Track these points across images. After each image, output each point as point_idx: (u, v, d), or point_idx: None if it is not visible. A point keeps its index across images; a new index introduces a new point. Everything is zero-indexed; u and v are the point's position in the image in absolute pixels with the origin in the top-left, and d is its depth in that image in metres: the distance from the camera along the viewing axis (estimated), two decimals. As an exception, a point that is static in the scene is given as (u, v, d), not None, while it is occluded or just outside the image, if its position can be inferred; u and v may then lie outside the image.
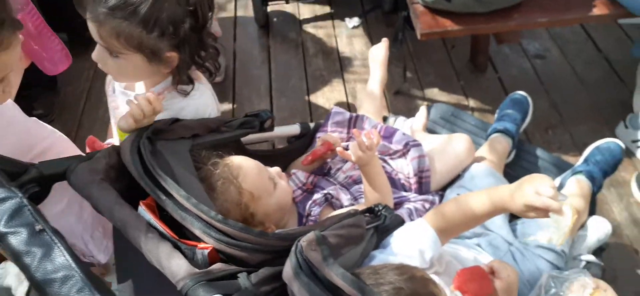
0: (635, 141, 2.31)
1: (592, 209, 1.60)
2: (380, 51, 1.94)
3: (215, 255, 0.97)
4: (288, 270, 0.89)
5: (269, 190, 1.24)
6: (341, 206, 1.38)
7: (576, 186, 1.57)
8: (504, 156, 1.69)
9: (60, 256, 0.75)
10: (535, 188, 1.00)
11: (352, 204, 1.40)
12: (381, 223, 1.20)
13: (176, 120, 1.21)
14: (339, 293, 0.85)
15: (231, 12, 3.18)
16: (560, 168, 1.75)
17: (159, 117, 1.20)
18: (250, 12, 3.07)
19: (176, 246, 0.96)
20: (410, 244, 1.12)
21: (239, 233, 0.94)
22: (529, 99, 1.85)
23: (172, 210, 0.98)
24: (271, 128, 1.43)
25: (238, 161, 1.23)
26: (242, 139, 1.42)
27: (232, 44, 2.94)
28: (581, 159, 1.72)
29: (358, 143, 1.29)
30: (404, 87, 2.62)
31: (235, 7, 3.23)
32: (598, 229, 1.47)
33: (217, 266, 0.95)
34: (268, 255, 0.97)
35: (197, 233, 0.96)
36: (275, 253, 0.97)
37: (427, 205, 1.48)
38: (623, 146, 1.68)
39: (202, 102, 1.32)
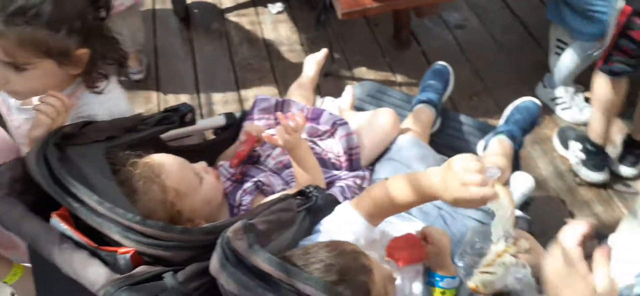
0: (553, 99, 2.43)
1: (516, 166, 1.67)
2: (317, 55, 1.97)
3: (139, 258, 0.93)
4: (214, 262, 0.86)
5: (194, 186, 1.20)
6: (273, 193, 1.36)
7: (498, 145, 1.63)
8: (428, 125, 1.73)
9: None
10: (460, 180, 0.94)
11: (284, 189, 1.38)
12: (313, 204, 1.20)
13: (87, 123, 1.15)
14: (268, 278, 0.84)
15: (149, 6, 3.06)
16: (484, 131, 1.81)
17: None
18: (169, 5, 2.98)
19: (95, 254, 0.91)
20: (343, 232, 1.10)
21: (160, 233, 0.91)
22: (449, 68, 1.90)
23: (86, 217, 0.93)
24: (193, 122, 1.38)
25: (159, 158, 1.18)
26: (164, 136, 1.37)
27: (153, 40, 2.83)
28: (501, 120, 1.78)
29: (283, 127, 1.27)
30: (332, 69, 2.62)
31: (152, 0, 3.11)
32: (521, 184, 1.53)
33: (141, 269, 0.92)
34: (194, 250, 0.95)
35: (116, 237, 0.91)
36: (202, 249, 0.94)
37: (358, 181, 1.48)
38: (539, 103, 1.76)
39: (114, 101, 1.26)
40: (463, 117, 1.87)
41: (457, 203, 0.97)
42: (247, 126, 1.49)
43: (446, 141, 1.78)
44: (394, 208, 1.11)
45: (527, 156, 2.28)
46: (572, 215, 2.09)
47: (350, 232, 1.10)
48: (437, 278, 1.15)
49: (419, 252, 1.15)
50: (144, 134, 1.28)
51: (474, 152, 1.74)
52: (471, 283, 1.01)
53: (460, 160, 0.96)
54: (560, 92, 2.40)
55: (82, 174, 1.00)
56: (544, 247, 1.08)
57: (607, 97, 1.98)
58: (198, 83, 2.61)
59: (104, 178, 1.07)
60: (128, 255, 0.91)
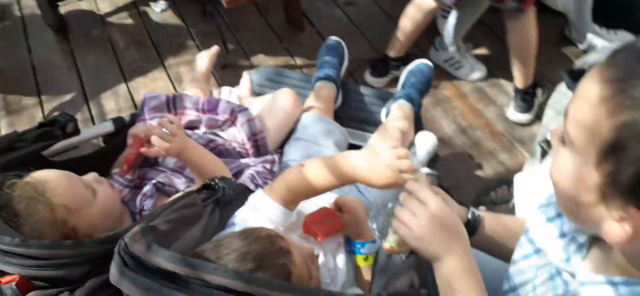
0: (446, 60, 2.53)
1: (419, 127, 1.71)
2: (211, 49, 1.92)
3: (27, 284, 0.83)
4: (113, 271, 0.79)
5: (87, 199, 1.10)
6: (177, 192, 1.29)
7: (398, 110, 1.65)
8: (330, 100, 1.72)
9: None
10: (391, 167, 0.98)
11: (189, 187, 1.31)
12: (221, 196, 1.14)
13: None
14: (175, 278, 0.78)
15: (16, 19, 2.79)
16: (384, 99, 1.84)
17: None
18: (39, 17, 2.73)
19: (-28, 290, 0.80)
20: (259, 221, 1.06)
21: (46, 252, 0.81)
22: (342, 42, 1.91)
23: (-44, 249, 0.81)
24: (76, 131, 1.26)
25: (40, 175, 1.06)
26: (46, 152, 1.24)
27: (28, 56, 2.59)
28: (399, 85, 1.82)
29: (158, 136, 1.19)
30: (229, 60, 2.55)
31: (20, 12, 2.84)
32: (425, 142, 1.57)
33: (31, 295, 0.82)
34: (91, 264, 0.86)
35: (-4, 265, 0.81)
36: (100, 261, 0.86)
37: (268, 166, 1.44)
38: (431, 64, 1.81)
39: None
40: (363, 89, 1.89)
41: (386, 186, 1.00)
42: (133, 129, 1.38)
43: (350, 114, 1.79)
44: (311, 192, 1.09)
45: (431, 118, 2.36)
46: (480, 167, 2.20)
47: (267, 220, 1.06)
48: (358, 246, 1.14)
49: (336, 223, 1.13)
50: (22, 153, 1.15)
51: (377, 122, 1.76)
52: (386, 244, 1.00)
53: (389, 148, 1.00)
54: (452, 53, 2.51)
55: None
56: (458, 200, 1.11)
57: (534, 34, 2.15)
58: (86, 95, 2.43)
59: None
60: (13, 283, 0.81)
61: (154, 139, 1.19)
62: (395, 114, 1.64)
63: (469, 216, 1.06)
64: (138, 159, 1.30)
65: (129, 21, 2.81)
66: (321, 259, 1.09)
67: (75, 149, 1.43)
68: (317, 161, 1.08)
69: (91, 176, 1.17)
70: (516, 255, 0.99)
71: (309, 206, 1.19)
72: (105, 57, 2.61)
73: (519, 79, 2.29)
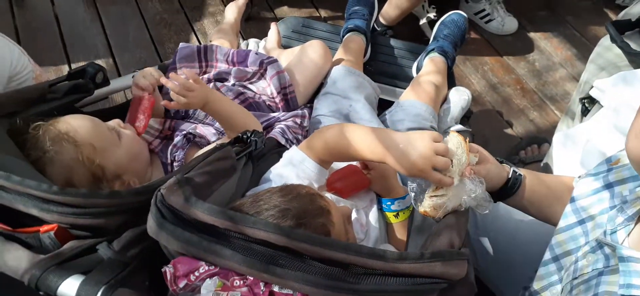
0: (477, 13, 2.45)
1: (452, 83, 1.66)
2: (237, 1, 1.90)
3: (66, 233, 0.83)
4: (151, 223, 0.78)
5: (112, 141, 1.10)
6: (208, 144, 1.27)
7: (430, 64, 1.60)
8: (360, 52, 1.67)
9: None
10: (427, 158, 0.94)
11: (219, 139, 1.29)
12: (253, 149, 1.13)
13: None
14: (214, 231, 0.76)
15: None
16: (414, 52, 1.78)
17: None
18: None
19: (12, 238, 0.80)
20: (294, 177, 1.05)
21: (84, 200, 0.80)
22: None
23: (-3, 198, 0.81)
24: (105, 82, 1.24)
25: (64, 118, 1.07)
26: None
27: (51, 9, 2.57)
28: (431, 38, 1.76)
29: (173, 89, 1.16)
30: (253, 12, 2.49)
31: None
32: (459, 98, 1.52)
33: (70, 244, 0.82)
34: (127, 215, 0.85)
35: (34, 212, 0.80)
36: (136, 211, 0.85)
37: (298, 120, 1.42)
38: (465, 15, 1.74)
39: None
40: (393, 42, 1.83)
41: (407, 172, 0.97)
42: (136, 79, 1.27)
43: (379, 68, 1.74)
44: (346, 157, 1.07)
45: (460, 73, 2.30)
46: (510, 124, 2.15)
47: (303, 177, 1.05)
48: (388, 203, 1.12)
49: (362, 180, 1.11)
50: (54, 105, 1.14)
51: (408, 76, 1.71)
52: (421, 208, 0.98)
53: (432, 139, 0.96)
54: (482, 5, 2.42)
55: (-18, 153, 0.87)
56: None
57: None
58: (111, 47, 2.41)
59: (11, 156, 0.94)
60: (51, 232, 0.81)
61: (173, 94, 1.16)
62: (427, 69, 1.59)
63: (510, 175, 1.03)
64: (153, 106, 1.26)
65: (152, -29, 2.75)
66: (354, 215, 1.07)
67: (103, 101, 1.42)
68: (357, 128, 1.06)
69: (114, 121, 1.17)
70: (560, 224, 0.96)
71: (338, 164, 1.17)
72: (128, 7, 2.57)
73: None
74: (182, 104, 1.16)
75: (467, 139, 1.00)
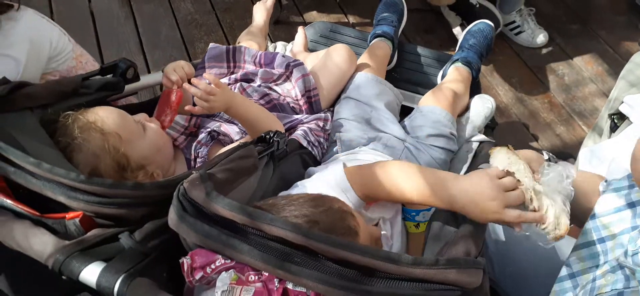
0: (506, 25, 2.43)
1: (477, 92, 1.64)
2: (266, 2, 1.92)
3: (90, 221, 0.86)
4: (172, 216, 0.80)
5: (137, 132, 1.13)
6: (232, 142, 1.29)
7: (454, 73, 1.60)
8: (384, 59, 1.68)
9: None
10: (499, 202, 0.89)
11: (243, 137, 1.31)
12: (275, 149, 1.14)
13: (16, 87, 1.03)
14: (233, 226, 0.78)
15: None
16: (441, 61, 1.78)
17: None
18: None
19: (39, 223, 0.83)
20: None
21: (109, 190, 0.83)
22: None
23: (26, 181, 0.84)
24: (136, 78, 1.28)
25: (94, 109, 1.11)
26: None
27: (87, 5, 2.64)
28: (457, 47, 1.75)
29: (195, 94, 1.17)
30: (282, 16, 2.52)
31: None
32: (483, 106, 1.51)
33: (94, 232, 0.84)
34: (150, 207, 0.88)
35: (61, 199, 0.83)
36: (159, 204, 0.87)
37: (320, 123, 1.43)
38: (492, 25, 1.73)
39: (32, 26, 1.15)
40: (420, 49, 1.83)
41: (485, 221, 0.93)
42: (167, 71, 1.29)
43: (404, 75, 1.74)
44: (400, 200, 1.02)
45: (487, 84, 2.28)
46: (535, 138, 2.12)
47: (341, 194, 1.00)
48: (413, 213, 1.12)
49: None
50: (86, 100, 1.18)
51: (431, 84, 1.70)
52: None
53: (492, 178, 0.90)
54: (513, 16, 2.39)
55: (15, 141, 0.91)
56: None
57: None
58: (142, 45, 2.46)
59: (43, 145, 0.98)
60: (77, 219, 0.83)
61: (196, 100, 1.19)
62: (450, 77, 1.58)
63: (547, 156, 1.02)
64: (178, 103, 1.27)
65: (185, -27, 2.81)
66: (383, 232, 1.07)
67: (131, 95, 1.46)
68: (414, 168, 1.00)
69: (140, 115, 1.20)
70: (579, 241, 0.94)
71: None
72: (161, 7, 2.63)
73: None
74: (205, 108, 1.18)
75: (509, 146, 0.98)
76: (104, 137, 1.04)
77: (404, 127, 1.45)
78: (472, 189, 0.91)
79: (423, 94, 1.57)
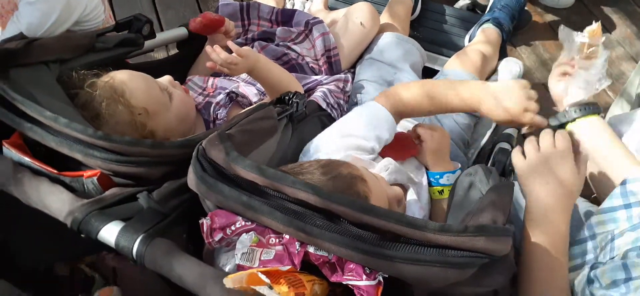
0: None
1: (504, 56, 1.59)
2: None
3: (108, 180, 0.84)
4: (191, 175, 0.78)
5: (164, 103, 1.09)
6: (250, 104, 1.27)
7: (483, 35, 1.54)
8: (407, 14, 1.62)
9: None
10: (521, 103, 1.02)
11: (261, 99, 1.28)
12: (294, 111, 1.12)
13: (32, 40, 1.01)
14: (253, 187, 0.76)
15: None
16: (468, 21, 1.72)
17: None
18: None
19: (57, 181, 0.81)
20: (367, 128, 1.06)
21: (128, 148, 0.81)
22: None
23: (43, 137, 0.82)
24: (151, 35, 1.24)
25: (120, 76, 1.05)
26: (124, 56, 1.24)
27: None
28: (488, 8, 1.68)
29: (216, 62, 1.15)
30: (298, -26, 2.45)
31: None
32: (509, 69, 1.46)
33: (112, 191, 0.83)
34: (169, 166, 0.86)
35: (78, 156, 0.81)
36: (178, 164, 0.85)
37: (340, 85, 1.40)
38: None
39: None
40: (446, 9, 1.77)
41: (500, 119, 1.04)
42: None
43: (428, 35, 1.69)
44: (427, 106, 1.09)
45: (509, 47, 2.21)
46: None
47: (376, 131, 1.05)
48: (437, 176, 1.09)
49: (409, 147, 1.09)
50: (104, 57, 1.15)
51: (457, 46, 1.65)
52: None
53: (523, 87, 1.05)
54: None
55: (32, 96, 0.88)
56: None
57: None
58: (155, 5, 2.42)
59: (61, 103, 0.96)
60: (95, 178, 0.82)
61: (219, 67, 1.16)
62: (478, 39, 1.53)
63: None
64: (214, 24, 1.32)
65: None
66: (412, 196, 1.05)
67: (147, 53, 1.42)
68: (446, 81, 1.16)
69: (166, 79, 1.15)
70: (604, 205, 0.92)
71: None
72: (174, -36, 2.57)
73: None
74: (232, 72, 1.16)
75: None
76: (131, 113, 1.00)
77: None
78: (500, 88, 1.04)
79: (447, 56, 1.53)
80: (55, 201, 0.77)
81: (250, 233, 0.75)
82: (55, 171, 0.82)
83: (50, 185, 0.79)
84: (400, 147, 1.08)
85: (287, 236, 0.74)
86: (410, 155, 1.10)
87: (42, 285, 0.94)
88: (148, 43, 1.27)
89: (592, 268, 0.86)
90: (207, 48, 1.18)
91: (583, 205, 1.09)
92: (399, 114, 1.08)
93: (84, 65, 1.08)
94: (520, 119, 1.01)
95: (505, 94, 1.02)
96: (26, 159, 0.82)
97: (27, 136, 0.85)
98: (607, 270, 0.81)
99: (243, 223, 0.76)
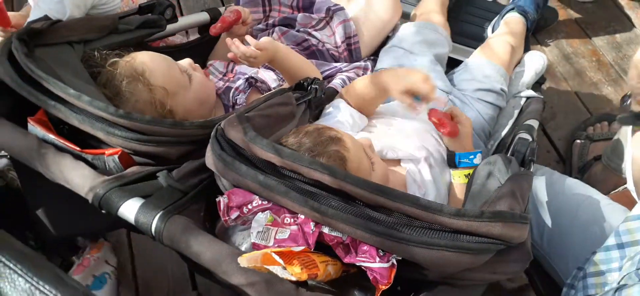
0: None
1: (527, 48, 1.56)
2: None
3: (129, 159, 0.86)
4: (209, 155, 0.79)
5: (183, 84, 1.10)
6: (269, 89, 1.27)
7: (508, 24, 1.51)
8: (439, 4, 1.59)
9: None
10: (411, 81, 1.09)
11: (280, 85, 1.29)
12: (313, 96, 1.12)
13: (57, 20, 1.03)
14: (270, 167, 0.77)
15: None
16: (492, 11, 1.69)
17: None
18: None
19: (79, 158, 0.83)
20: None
21: (148, 127, 0.82)
22: None
23: (66, 115, 0.84)
24: (174, 19, 1.26)
25: (141, 56, 1.07)
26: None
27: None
28: (511, -5, 1.65)
29: (236, 53, 1.17)
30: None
31: None
32: (534, 62, 1.43)
33: (132, 169, 0.85)
34: (189, 146, 0.87)
35: (100, 135, 0.83)
36: (197, 144, 0.87)
37: (360, 72, 1.39)
38: None
39: None
40: (475, 1, 1.74)
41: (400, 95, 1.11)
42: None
43: (451, 25, 1.65)
44: (367, 98, 1.18)
45: (531, 40, 2.18)
46: (579, 97, 2.03)
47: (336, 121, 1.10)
48: (471, 156, 1.08)
49: (455, 126, 1.09)
50: (127, 38, 1.17)
51: (481, 36, 1.63)
52: None
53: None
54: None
55: (57, 74, 0.90)
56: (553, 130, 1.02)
57: None
58: (177, -9, 2.44)
59: (83, 83, 0.98)
60: (116, 156, 0.84)
61: (241, 58, 1.17)
62: (503, 29, 1.50)
63: None
64: (233, 25, 1.33)
65: None
66: (410, 167, 1.06)
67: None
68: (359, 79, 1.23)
69: (186, 62, 1.17)
70: (634, 212, 0.90)
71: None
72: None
73: None
74: (253, 65, 1.19)
75: None
76: (151, 92, 1.01)
77: (450, 80, 1.40)
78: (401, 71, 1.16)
79: (471, 46, 1.51)
80: (78, 177, 0.79)
81: (266, 212, 0.76)
82: (78, 149, 0.84)
83: (73, 161, 0.81)
84: (448, 121, 1.08)
85: (302, 216, 0.75)
86: (452, 135, 1.09)
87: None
88: (170, 27, 1.29)
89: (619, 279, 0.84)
90: (227, 40, 1.19)
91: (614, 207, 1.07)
92: (359, 108, 1.19)
93: (107, 45, 1.11)
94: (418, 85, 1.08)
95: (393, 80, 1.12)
96: (50, 136, 0.84)
97: (51, 113, 0.87)
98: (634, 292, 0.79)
99: (259, 202, 0.77)
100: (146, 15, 1.23)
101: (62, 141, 0.84)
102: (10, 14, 1.28)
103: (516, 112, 1.32)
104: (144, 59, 1.05)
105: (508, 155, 1.03)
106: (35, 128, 0.86)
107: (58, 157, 0.81)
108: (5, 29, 1.24)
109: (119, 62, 1.03)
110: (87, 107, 0.82)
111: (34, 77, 0.86)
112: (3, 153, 1.17)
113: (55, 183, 0.82)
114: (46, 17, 1.04)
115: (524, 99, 1.36)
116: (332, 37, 1.43)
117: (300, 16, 1.45)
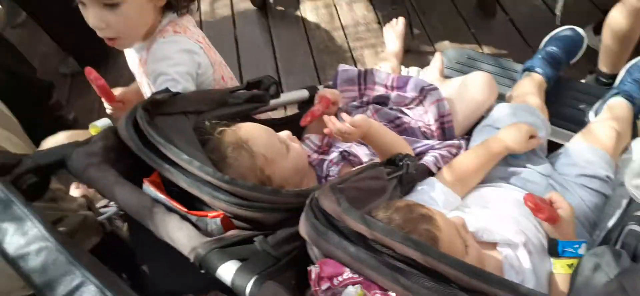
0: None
1: (634, 134, 1.48)
2: (397, 27, 1.94)
3: (229, 223, 0.90)
4: (303, 223, 0.82)
5: (282, 153, 1.16)
6: (360, 163, 1.30)
7: (612, 109, 1.44)
8: (540, 87, 1.56)
9: (33, 229, 0.72)
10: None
11: (372, 159, 1.31)
12: (404, 173, 1.13)
13: (175, 94, 1.14)
14: (362, 240, 0.77)
15: (227, 0, 3.11)
16: (594, 95, 1.63)
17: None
18: (247, -1, 3.00)
19: (185, 219, 0.89)
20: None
21: (249, 193, 0.87)
22: (582, 32, 1.69)
23: (177, 178, 0.91)
24: (277, 95, 1.35)
25: (245, 127, 1.15)
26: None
27: (233, 31, 2.87)
28: (617, 79, 1.58)
29: (332, 130, 1.20)
30: (412, 45, 2.51)
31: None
32: (644, 151, 1.34)
33: (231, 232, 0.89)
34: (285, 213, 0.90)
35: (206, 198, 0.89)
36: (293, 212, 0.89)
37: (453, 151, 1.38)
38: None
39: (189, 47, 1.29)
40: (578, 84, 1.69)
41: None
42: (322, 91, 1.42)
43: (550, 108, 1.61)
44: (470, 171, 1.24)
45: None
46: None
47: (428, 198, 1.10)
48: (576, 245, 1.01)
49: (554, 212, 1.04)
50: (234, 111, 1.26)
51: (583, 120, 1.57)
52: None
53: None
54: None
55: (172, 141, 0.99)
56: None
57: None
58: (278, 69, 2.60)
59: (194, 150, 1.06)
60: (218, 219, 0.88)
61: (336, 134, 1.21)
62: (607, 114, 1.43)
63: None
64: (323, 114, 1.34)
65: (321, 2, 2.93)
66: (508, 252, 1.01)
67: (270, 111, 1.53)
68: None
69: (285, 134, 1.23)
70: None
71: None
72: (298, 35, 2.76)
73: None
74: (345, 140, 1.23)
75: None
76: (253, 159, 1.08)
77: (552, 163, 1.35)
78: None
79: (571, 130, 1.45)
80: (182, 237, 0.84)
81: (356, 285, 0.76)
82: (185, 210, 0.90)
83: (179, 222, 0.87)
84: (546, 207, 1.03)
85: (393, 294, 0.74)
86: (554, 221, 1.04)
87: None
88: (273, 102, 1.37)
89: None
90: (325, 117, 1.25)
91: None
92: (454, 184, 1.22)
93: (217, 117, 1.20)
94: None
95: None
96: (162, 197, 0.91)
97: (164, 175, 0.95)
98: None
99: (350, 274, 0.77)
100: (252, 91, 1.33)
101: (171, 201, 0.91)
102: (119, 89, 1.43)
103: (624, 202, 1.23)
104: (248, 129, 1.13)
105: (617, 247, 0.96)
106: (149, 188, 0.94)
107: (167, 216, 0.87)
108: (111, 104, 1.38)
109: (226, 131, 1.12)
110: (197, 172, 0.89)
111: (153, 142, 0.95)
112: (112, 202, 1.29)
113: (162, 240, 0.88)
114: (167, 90, 1.15)
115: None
116: (425, 115, 1.44)
117: (394, 95, 1.48)
